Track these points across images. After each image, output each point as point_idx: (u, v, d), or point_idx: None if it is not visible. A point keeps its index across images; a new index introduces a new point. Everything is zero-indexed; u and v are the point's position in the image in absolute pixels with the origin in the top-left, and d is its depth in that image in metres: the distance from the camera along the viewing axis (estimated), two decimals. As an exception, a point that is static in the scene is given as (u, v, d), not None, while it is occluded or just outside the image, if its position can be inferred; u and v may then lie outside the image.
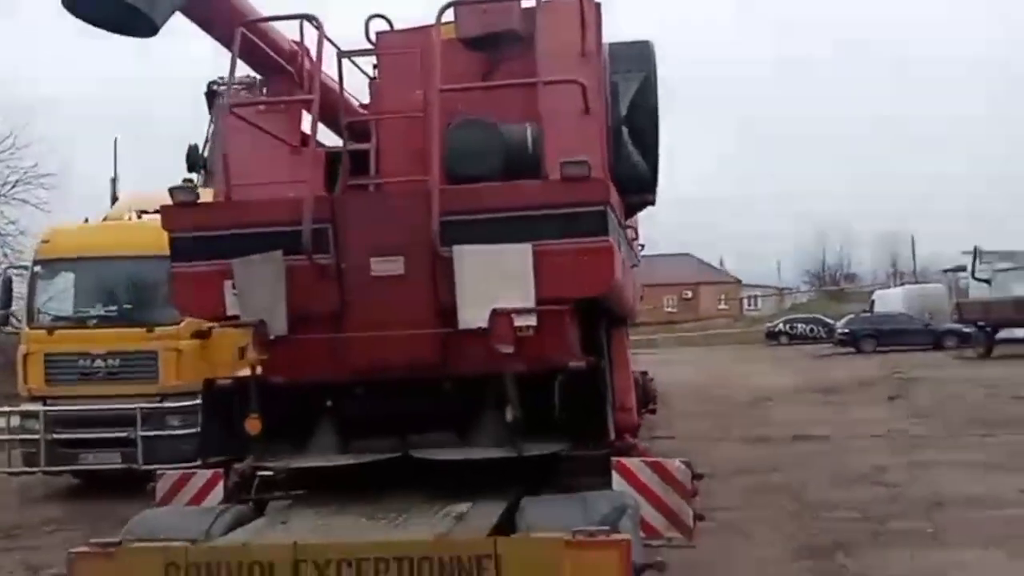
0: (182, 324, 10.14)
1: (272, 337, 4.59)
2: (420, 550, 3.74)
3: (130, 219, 11.20)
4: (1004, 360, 23.84)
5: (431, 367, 4.80)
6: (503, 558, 3.66)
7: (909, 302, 36.56)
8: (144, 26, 4.55)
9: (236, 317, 4.79)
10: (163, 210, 4.89)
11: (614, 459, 5.03)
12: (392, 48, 5.85)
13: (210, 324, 10.15)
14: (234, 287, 4.78)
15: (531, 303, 4.57)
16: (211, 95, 13.38)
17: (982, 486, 8.24)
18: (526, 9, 5.36)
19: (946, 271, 41.95)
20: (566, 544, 3.68)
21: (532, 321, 4.59)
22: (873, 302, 40.64)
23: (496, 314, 4.49)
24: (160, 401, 10.11)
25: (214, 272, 4.80)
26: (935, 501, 7.72)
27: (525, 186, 4.75)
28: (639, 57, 6.01)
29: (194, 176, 13.27)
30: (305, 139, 5.70)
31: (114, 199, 14.95)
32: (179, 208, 4.81)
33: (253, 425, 4.61)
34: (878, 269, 73.29)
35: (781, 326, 42.55)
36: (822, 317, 42.71)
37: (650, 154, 5.95)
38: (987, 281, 31.18)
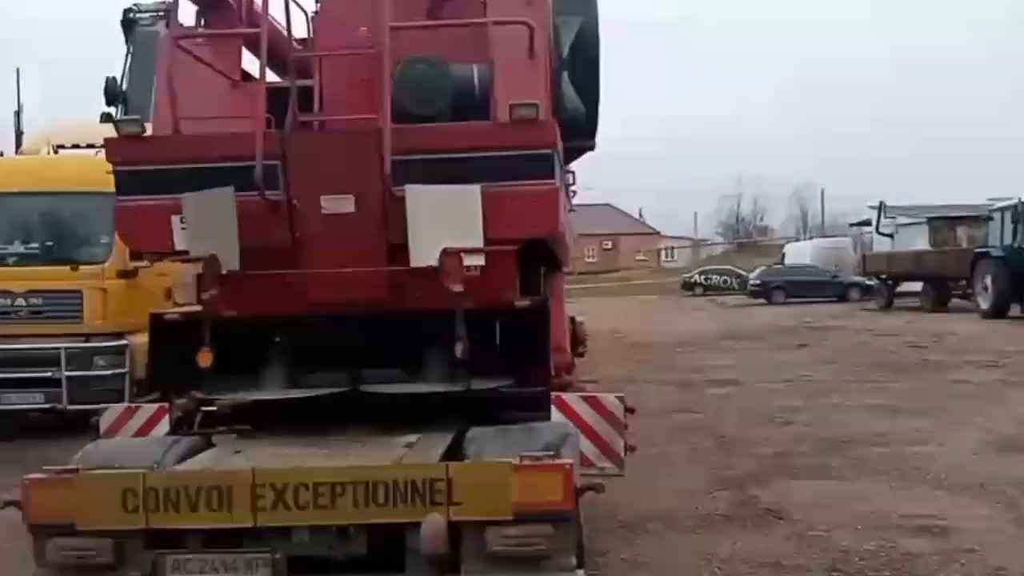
0: (107, 263, 9.96)
1: (224, 272, 4.64)
2: (375, 474, 3.92)
3: (48, 154, 10.81)
4: (903, 312, 25.27)
5: (381, 304, 4.93)
6: (455, 481, 3.88)
7: (817, 255, 38.08)
8: None
9: (185, 252, 4.81)
10: (109, 143, 4.82)
11: (553, 394, 5.29)
12: None
13: (136, 263, 10.08)
14: (183, 221, 4.80)
15: (479, 243, 4.72)
16: (127, 24, 12.84)
17: (882, 426, 8.89)
18: None
19: (852, 225, 43.70)
20: (514, 468, 3.92)
21: (480, 261, 4.75)
22: (784, 255, 42.23)
23: (446, 253, 4.63)
24: (85, 341, 9.92)
25: (162, 206, 4.79)
26: (839, 439, 8.31)
27: (475, 127, 4.85)
28: (580, 0, 6.12)
29: (112, 110, 12.86)
30: (245, 74, 5.68)
31: (18, 133, 14.27)
32: (126, 141, 4.76)
33: (205, 358, 4.66)
34: (789, 223, 76.10)
35: (697, 277, 43.83)
36: (735, 269, 44.16)
37: (590, 99, 6.09)
38: (890, 236, 32.74)
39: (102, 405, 9.88)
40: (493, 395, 5.17)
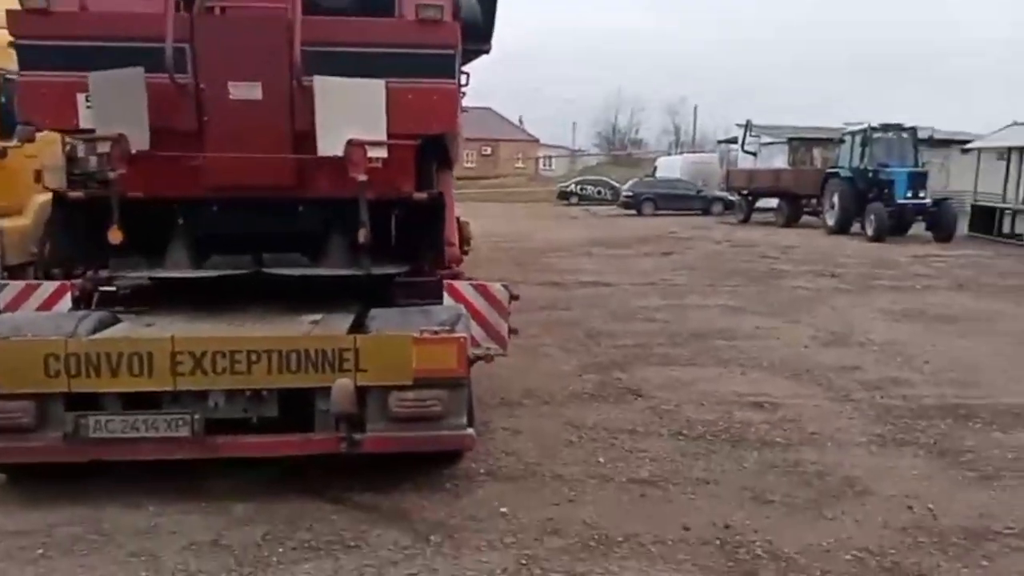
0: (-26, 143, 9.52)
1: (134, 152, 4.78)
2: (289, 344, 4.33)
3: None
4: (759, 226, 27.10)
5: (285, 190, 5.22)
6: (361, 350, 4.35)
7: (686, 170, 39.68)
8: None
9: (90, 130, 4.89)
10: (12, 14, 4.77)
11: (445, 281, 5.78)
12: None
13: (4, 143, 9.69)
14: (88, 99, 4.86)
15: (383, 136, 5.06)
16: None
17: (729, 323, 9.92)
18: None
19: (720, 142, 45.56)
20: (414, 340, 4.43)
21: (383, 153, 5.09)
22: (655, 168, 43.76)
23: (351, 144, 4.95)
24: (-49, 223, 9.54)
25: (68, 83, 4.83)
26: (693, 333, 9.26)
27: (382, 24, 5.10)
28: None
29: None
30: None
31: None
32: (31, 14, 4.73)
33: (115, 235, 4.84)
34: (663, 137, 78.36)
35: (572, 187, 44.84)
36: (609, 180, 45.45)
37: (488, 4, 6.39)
38: (753, 154, 34.55)
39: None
40: (390, 280, 5.61)
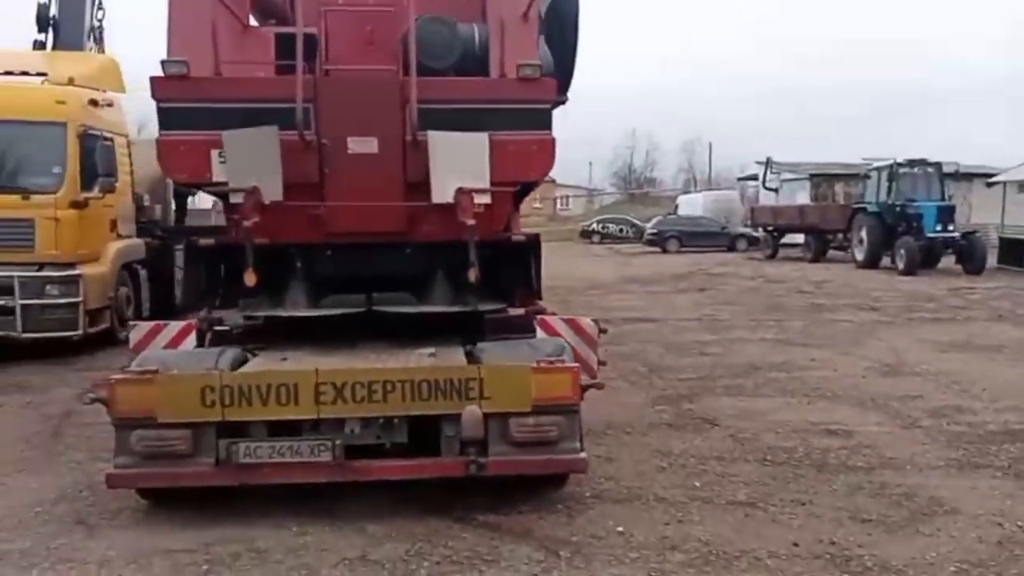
0: (59, 192, 10.07)
1: (267, 202, 5.23)
2: (421, 375, 4.72)
3: (-8, 81, 10.67)
4: (787, 261, 27.40)
5: (397, 235, 5.66)
6: (486, 380, 4.72)
7: (708, 207, 40.21)
8: None
9: (222, 183, 5.36)
10: (155, 81, 5.27)
11: (539, 316, 6.18)
12: None
13: (86, 195, 10.26)
14: (221, 156, 5.34)
15: (487, 184, 5.49)
16: None
17: (782, 356, 10.23)
18: None
19: (740, 179, 46.10)
20: (533, 370, 4.81)
21: (487, 200, 5.54)
22: (677, 206, 44.28)
23: (461, 191, 5.39)
24: (38, 270, 10.04)
25: (202, 141, 5.32)
26: (750, 366, 9.57)
27: (486, 82, 5.59)
28: None
29: (43, 36, 12.62)
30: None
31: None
32: (171, 80, 5.23)
33: (251, 278, 5.26)
34: (678, 175, 79.11)
35: (595, 226, 45.41)
36: (630, 218, 46.03)
37: (568, 55, 6.86)
38: (775, 190, 35.04)
39: (55, 334, 10.22)
40: (482, 316, 5.99)
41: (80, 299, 10.15)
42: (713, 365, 9.71)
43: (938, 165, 22.70)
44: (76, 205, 10.21)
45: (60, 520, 4.88)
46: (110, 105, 11.31)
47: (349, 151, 5.44)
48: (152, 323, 5.87)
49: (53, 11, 12.46)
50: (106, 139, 10.78)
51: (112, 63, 12.00)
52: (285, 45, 6.06)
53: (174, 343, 5.74)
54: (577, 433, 4.92)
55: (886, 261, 22.74)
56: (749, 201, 39.90)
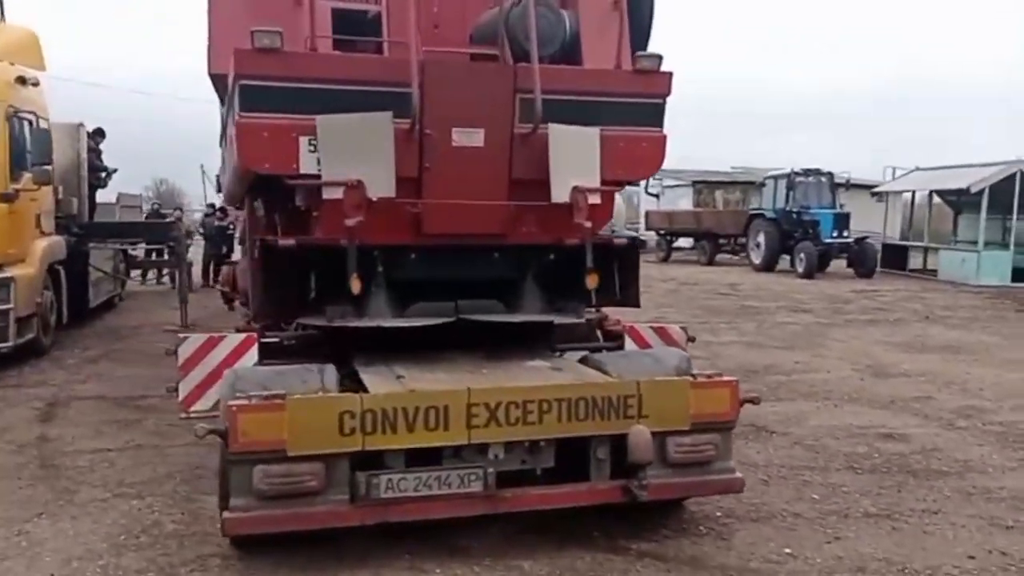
0: (-13, 185, 8.73)
1: (375, 199, 4.57)
2: (577, 392, 4.25)
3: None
4: (682, 264, 28.16)
5: (496, 237, 5.13)
6: (644, 397, 4.32)
7: (593, 212, 40.70)
8: None
9: (313, 176, 4.64)
10: (239, 54, 4.50)
11: (626, 324, 5.83)
12: None
13: (16, 186, 8.99)
14: (311, 144, 4.64)
15: (598, 183, 5.07)
16: None
17: (767, 359, 10.31)
18: None
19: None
20: (692, 384, 4.45)
21: (598, 200, 5.11)
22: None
23: (577, 191, 4.94)
24: (-40, 273, 8.65)
25: (291, 126, 4.60)
26: (745, 369, 9.53)
27: (602, 73, 5.14)
28: None
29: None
30: None
31: None
32: (260, 54, 4.47)
33: (356, 285, 4.61)
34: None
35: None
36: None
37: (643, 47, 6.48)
38: (656, 195, 36.02)
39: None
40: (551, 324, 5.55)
41: (11, 306, 8.84)
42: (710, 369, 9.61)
43: (830, 175, 23.96)
44: (5, 199, 8.89)
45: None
46: (36, 84, 9.94)
47: (453, 143, 4.87)
48: (205, 336, 5.05)
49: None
50: (39, 122, 9.47)
51: (32, 36, 10.56)
52: (346, 21, 5.44)
53: (234, 356, 4.98)
54: (731, 450, 4.61)
55: (783, 264, 23.76)
56: (631, 206, 40.83)
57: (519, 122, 4.93)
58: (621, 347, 5.71)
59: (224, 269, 10.12)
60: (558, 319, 5.31)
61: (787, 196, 23.82)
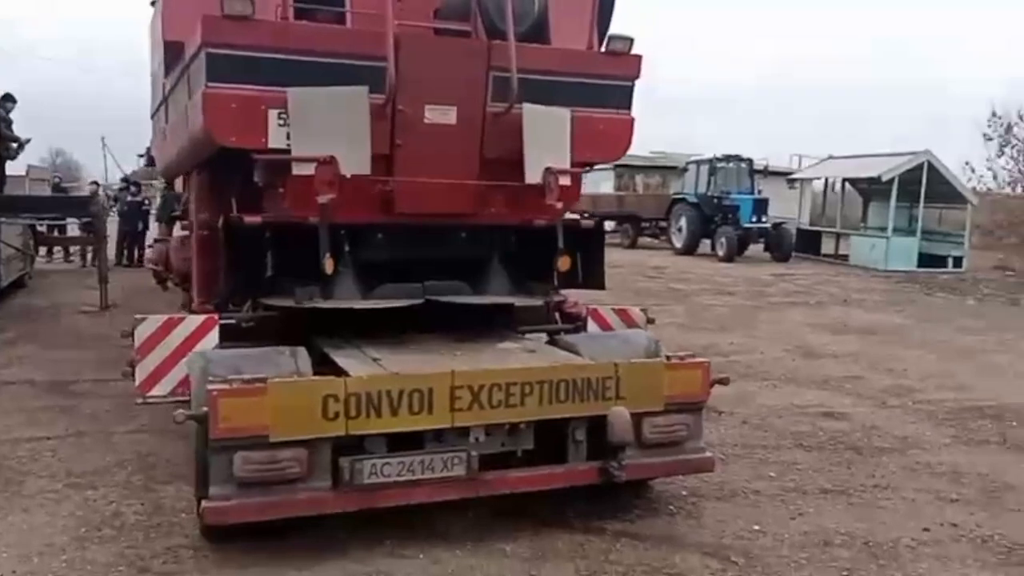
0: None
1: (349, 176, 4.44)
2: (559, 374, 4.26)
3: None
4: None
5: (466, 216, 5.07)
6: (622, 378, 4.36)
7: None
8: None
9: (282, 150, 4.48)
10: (208, 21, 4.28)
11: (589, 307, 5.85)
12: None
13: None
14: (281, 117, 4.47)
15: (567, 164, 5.07)
16: None
17: (702, 340, 10.55)
18: None
19: (543, 168, 47.24)
20: (667, 366, 4.52)
21: (567, 182, 5.11)
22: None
23: (549, 172, 4.93)
24: None
25: (259, 97, 4.43)
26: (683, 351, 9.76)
27: (574, 53, 5.12)
28: None
29: None
30: None
31: None
32: (230, 21, 4.27)
33: (330, 265, 4.48)
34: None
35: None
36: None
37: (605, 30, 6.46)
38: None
39: None
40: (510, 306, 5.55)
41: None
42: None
43: (750, 161, 24.62)
44: None
45: (112, 570, 3.85)
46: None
47: (426, 120, 4.78)
48: (164, 317, 4.82)
49: None
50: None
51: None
52: None
53: (193, 339, 4.77)
54: (702, 430, 4.70)
55: (704, 248, 24.35)
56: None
57: (491, 100, 4.89)
58: (583, 329, 5.74)
59: (156, 246, 9.66)
60: (526, 301, 5.31)
61: (708, 181, 24.36)
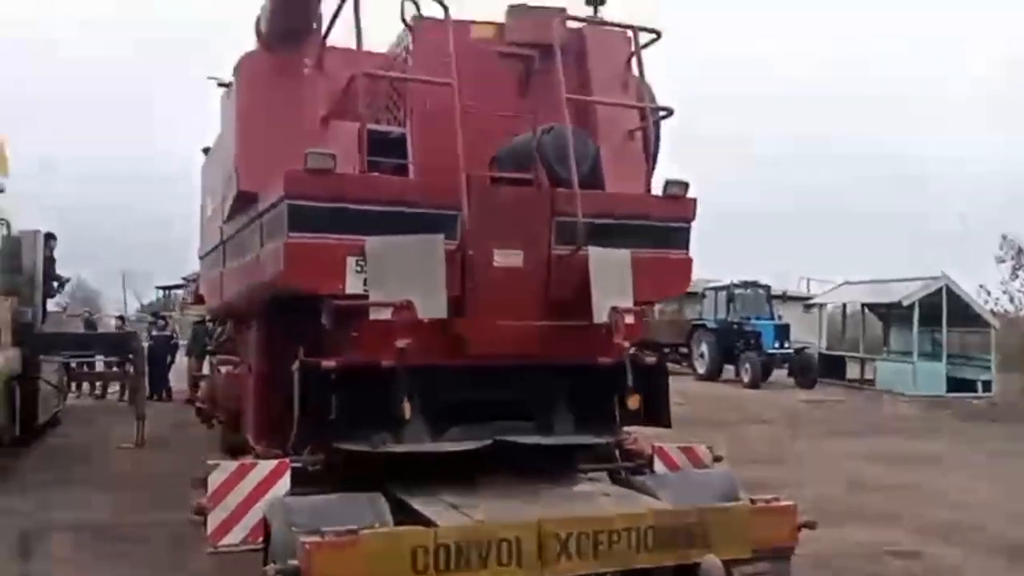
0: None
1: (426, 320, 4.50)
2: (646, 521, 4.15)
3: None
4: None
5: (534, 357, 5.09)
6: (710, 524, 4.24)
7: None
8: None
9: (360, 296, 4.56)
10: (291, 175, 4.46)
11: (655, 444, 5.77)
12: (429, 36, 5.75)
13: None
14: (359, 264, 4.58)
15: (631, 303, 5.13)
16: None
17: (754, 473, 10.32)
18: (571, 28, 5.79)
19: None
20: (753, 510, 4.41)
21: (632, 320, 5.16)
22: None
23: (616, 311, 4.98)
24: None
25: (338, 246, 4.56)
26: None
27: (634, 197, 5.30)
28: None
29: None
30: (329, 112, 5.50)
31: None
32: (311, 175, 4.45)
33: (407, 409, 4.47)
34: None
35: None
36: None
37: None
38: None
39: None
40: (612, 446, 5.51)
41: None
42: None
43: (767, 287, 24.88)
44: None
45: None
46: (2, 191, 9.63)
47: (495, 264, 4.89)
48: (236, 464, 4.77)
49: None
50: (9, 230, 9.13)
51: (-4, 142, 10.29)
52: (378, 144, 5.48)
53: (266, 485, 4.68)
54: (789, 576, 4.54)
55: (728, 374, 24.22)
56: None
57: (555, 243, 5.02)
58: (646, 467, 5.64)
59: (202, 384, 9.68)
60: (595, 441, 5.25)
61: (727, 307, 24.51)
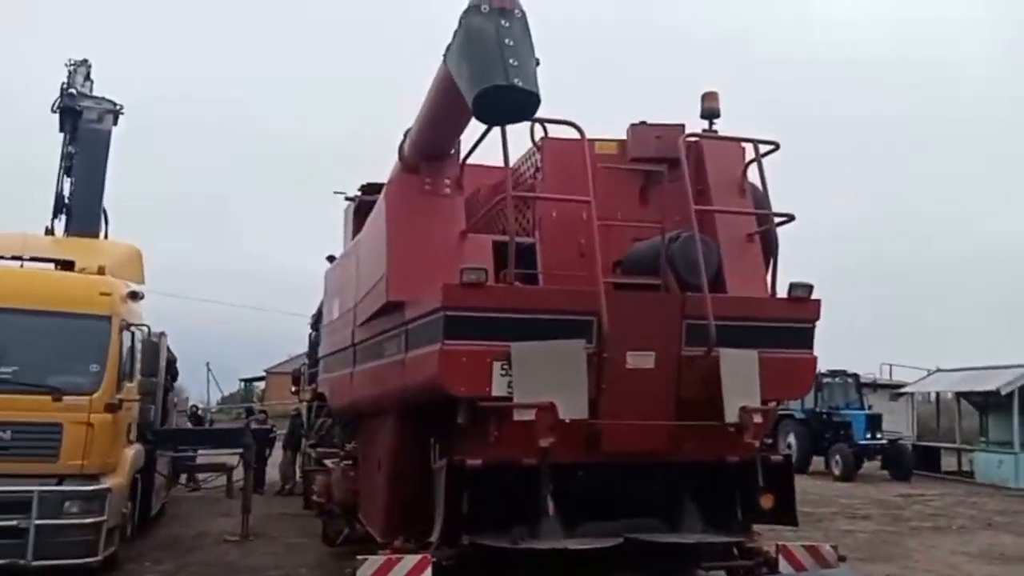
0: (96, 393, 8.85)
1: (568, 420, 4.79)
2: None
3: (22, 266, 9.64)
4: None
5: (663, 455, 5.30)
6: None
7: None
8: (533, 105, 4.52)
9: (504, 398, 4.89)
10: (448, 288, 4.89)
11: (779, 544, 5.84)
12: (557, 154, 6.23)
13: (121, 397, 9.17)
14: (503, 368, 4.92)
15: (758, 402, 5.32)
16: (68, 112, 11.83)
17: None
18: (689, 141, 6.17)
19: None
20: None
21: (760, 419, 5.34)
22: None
23: (745, 411, 5.18)
24: (58, 483, 8.56)
25: (486, 352, 4.92)
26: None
27: (759, 300, 5.57)
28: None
29: (55, 220, 11.82)
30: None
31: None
32: (466, 288, 4.87)
33: (551, 507, 4.72)
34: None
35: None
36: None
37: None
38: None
39: (72, 560, 8.64)
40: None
41: (104, 518, 8.69)
42: None
43: (856, 376, 24.37)
44: (110, 408, 9.00)
45: None
46: (141, 298, 10.39)
47: (628, 366, 5.18)
48: (383, 558, 5.06)
49: (66, 194, 11.69)
50: (149, 334, 9.82)
51: (135, 252, 11.17)
52: (502, 253, 5.88)
53: (410, 579, 4.95)
54: None
55: (817, 466, 23.53)
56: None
57: (685, 345, 5.28)
58: (766, 566, 5.70)
59: (319, 479, 10.05)
60: (725, 539, 5.37)
61: (816, 397, 24.01)
